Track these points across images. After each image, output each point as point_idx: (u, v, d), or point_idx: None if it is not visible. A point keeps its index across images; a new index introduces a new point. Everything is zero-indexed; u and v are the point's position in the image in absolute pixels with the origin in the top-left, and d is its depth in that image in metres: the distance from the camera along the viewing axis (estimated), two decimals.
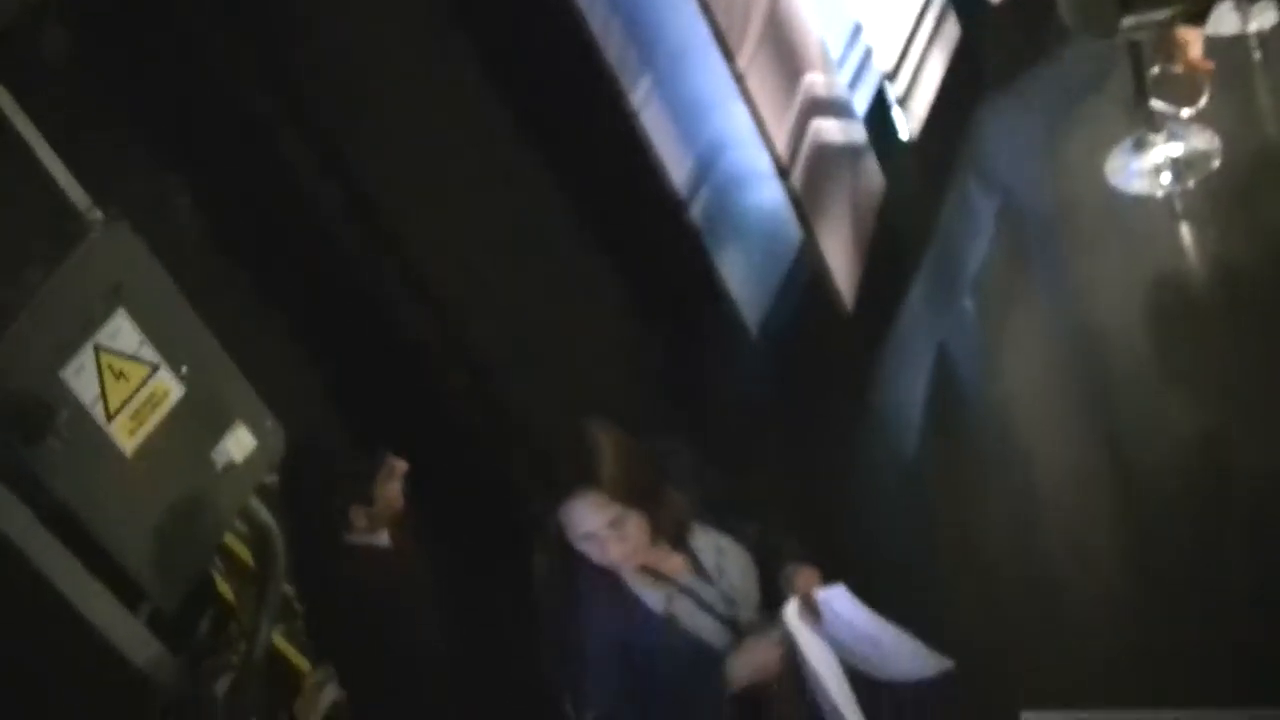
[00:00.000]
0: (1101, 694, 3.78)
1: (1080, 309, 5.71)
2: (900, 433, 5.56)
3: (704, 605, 3.02)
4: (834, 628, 3.02)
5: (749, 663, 2.95)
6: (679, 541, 3.05)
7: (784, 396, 5.68)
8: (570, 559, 2.94)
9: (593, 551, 2.92)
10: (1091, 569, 4.47)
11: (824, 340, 5.77)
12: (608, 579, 2.97)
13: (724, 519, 3.16)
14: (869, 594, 3.07)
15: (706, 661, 2.97)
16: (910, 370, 5.78)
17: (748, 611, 3.08)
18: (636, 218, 5.24)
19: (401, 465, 3.45)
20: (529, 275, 4.93)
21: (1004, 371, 5.69)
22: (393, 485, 3.48)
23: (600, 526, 2.87)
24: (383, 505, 3.40)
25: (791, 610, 2.96)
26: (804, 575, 3.07)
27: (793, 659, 2.97)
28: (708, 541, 3.08)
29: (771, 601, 3.10)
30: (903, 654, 3.05)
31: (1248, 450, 4.54)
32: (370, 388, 4.49)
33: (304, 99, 4.25)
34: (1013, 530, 4.82)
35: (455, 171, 4.74)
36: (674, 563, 3.03)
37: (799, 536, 3.29)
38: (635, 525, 2.90)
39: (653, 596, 2.99)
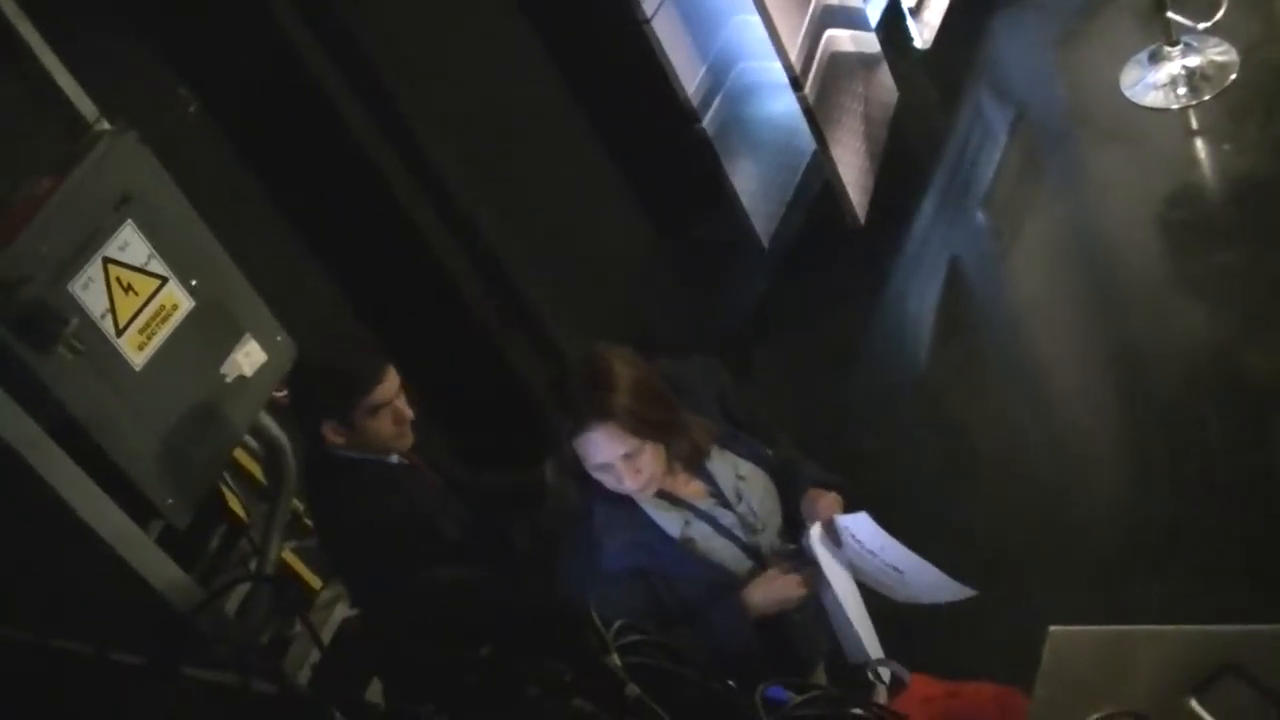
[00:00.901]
0: (1118, 602, 3.82)
1: (1092, 222, 5.67)
2: (912, 345, 5.54)
3: (722, 530, 2.98)
4: (855, 554, 2.99)
5: (770, 592, 2.92)
6: (696, 467, 3.02)
7: (794, 308, 5.65)
8: (586, 486, 2.92)
9: (608, 481, 2.88)
10: (1106, 478, 4.47)
11: (835, 252, 5.73)
12: (623, 505, 2.94)
13: (743, 443, 3.13)
14: (884, 505, 3.04)
15: (725, 587, 2.95)
16: (922, 282, 5.74)
17: (769, 536, 3.05)
18: (649, 128, 5.19)
19: (394, 377, 3.37)
20: (542, 186, 4.89)
21: (1016, 282, 5.65)
22: (387, 393, 3.34)
23: (615, 458, 2.83)
24: (370, 427, 3.30)
25: (814, 536, 2.94)
26: (825, 501, 3.03)
27: (814, 587, 2.95)
28: (725, 466, 3.05)
29: (792, 527, 3.08)
30: (924, 581, 3.03)
31: (1258, 360, 4.53)
32: (384, 302, 4.47)
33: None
34: (1026, 437, 4.80)
35: (469, 81, 4.70)
36: (691, 488, 3.00)
37: (805, 451, 3.26)
38: (650, 456, 2.86)
39: (669, 521, 2.95)
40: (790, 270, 5.77)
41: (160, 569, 3.19)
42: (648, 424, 2.82)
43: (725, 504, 3.00)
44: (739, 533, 3.00)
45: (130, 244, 3.19)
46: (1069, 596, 3.87)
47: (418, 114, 4.40)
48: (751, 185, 5.54)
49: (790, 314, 5.68)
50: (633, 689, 1.93)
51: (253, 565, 3.76)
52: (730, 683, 2.39)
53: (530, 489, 3.54)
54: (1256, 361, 4.52)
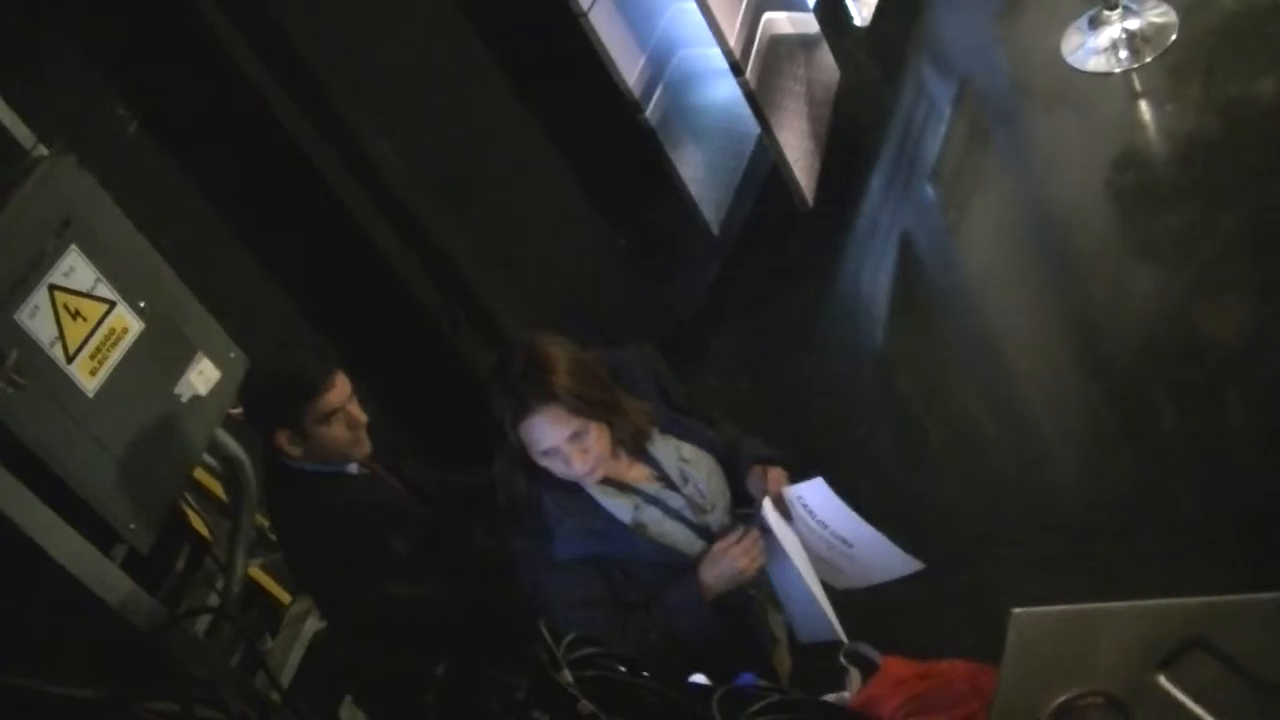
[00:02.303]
0: (1079, 568, 3.82)
1: (1041, 189, 5.67)
2: (867, 323, 5.54)
3: (672, 513, 2.99)
4: (804, 528, 2.99)
5: (721, 567, 2.92)
6: (640, 451, 3.02)
7: (747, 293, 5.64)
8: (534, 478, 2.91)
9: (556, 467, 2.88)
10: (1066, 447, 4.48)
11: (786, 235, 5.73)
12: (573, 494, 2.94)
13: (685, 426, 3.14)
14: (845, 483, 3.04)
15: (680, 569, 2.95)
16: (874, 260, 5.74)
17: (718, 516, 3.05)
18: (592, 121, 5.18)
19: (344, 381, 3.31)
20: (488, 183, 4.88)
21: (968, 255, 5.66)
22: (338, 398, 3.31)
23: (561, 441, 2.83)
24: (325, 435, 3.27)
25: (765, 508, 2.94)
26: (772, 475, 3.05)
27: (765, 558, 2.95)
28: (669, 449, 3.06)
29: (741, 506, 3.08)
30: (876, 551, 3.03)
31: (1214, 322, 4.55)
32: (334, 308, 4.44)
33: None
34: (985, 411, 4.82)
35: (409, 81, 4.68)
36: (637, 472, 3.01)
37: (766, 434, 3.26)
38: (596, 437, 2.87)
39: (619, 507, 2.96)
40: (742, 255, 5.77)
41: (124, 593, 3.15)
42: (590, 403, 2.83)
43: (672, 486, 3.01)
44: (688, 514, 3.01)
45: (75, 269, 3.15)
46: (1034, 569, 3.88)
47: (357, 114, 4.38)
48: (698, 173, 5.54)
49: (744, 298, 5.68)
50: (585, 705, 1.91)
51: (219, 584, 3.73)
52: (695, 679, 2.39)
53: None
54: (1212, 323, 4.54)
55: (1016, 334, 5.11)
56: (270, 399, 3.31)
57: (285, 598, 4.11)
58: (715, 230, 5.63)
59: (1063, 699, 1.79)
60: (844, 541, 3.01)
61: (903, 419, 5.00)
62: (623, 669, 2.08)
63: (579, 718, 1.89)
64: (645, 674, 2.10)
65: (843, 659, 2.57)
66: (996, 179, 5.84)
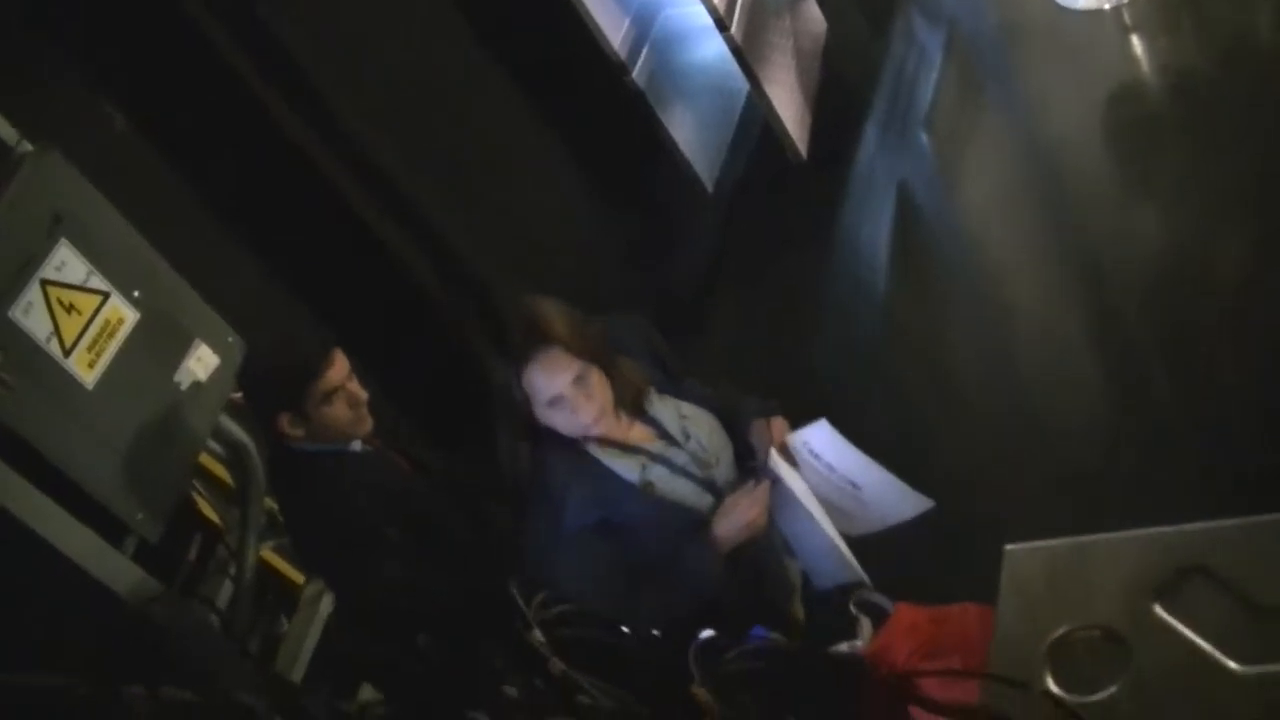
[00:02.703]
0: (1085, 511, 3.81)
1: (1036, 130, 5.64)
2: (869, 275, 5.52)
3: (678, 469, 2.98)
4: (812, 474, 2.99)
5: (733, 519, 2.92)
6: (639, 412, 3.02)
7: (746, 251, 5.62)
8: (538, 442, 2.91)
9: (560, 421, 2.88)
10: (1067, 388, 4.46)
11: (782, 190, 5.70)
12: (580, 460, 2.93)
13: (681, 388, 3.14)
14: (855, 435, 3.03)
15: (691, 525, 2.94)
16: (872, 211, 5.72)
17: (724, 471, 3.05)
18: (579, 86, 5.15)
19: (342, 360, 3.29)
20: (479, 158, 4.86)
21: (966, 202, 5.63)
22: (338, 377, 3.30)
23: (565, 385, 2.83)
24: (326, 415, 3.25)
25: (773, 458, 2.94)
26: (775, 425, 3.05)
27: (774, 504, 2.94)
28: (668, 408, 3.06)
29: (743, 462, 3.08)
30: (884, 492, 3.02)
31: (1212, 254, 4.52)
32: (328, 289, 4.43)
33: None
34: (987, 359, 4.79)
35: (393, 58, 4.66)
36: (638, 433, 3.01)
37: (769, 393, 3.25)
38: (599, 382, 2.87)
39: (626, 468, 2.95)
40: (739, 213, 5.74)
41: (136, 584, 3.16)
42: (589, 348, 2.84)
43: (674, 444, 3.01)
44: (694, 470, 3.00)
45: (67, 263, 3.14)
46: (1041, 510, 3.86)
47: (341, 92, 4.37)
48: (689, 133, 5.52)
49: (742, 256, 5.65)
50: (556, 664, 1.89)
51: (232, 571, 3.73)
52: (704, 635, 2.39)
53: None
54: (1214, 258, 4.51)
55: (1020, 278, 5.08)
56: (269, 382, 3.30)
57: (300, 579, 4.11)
58: (710, 188, 5.61)
59: (1059, 633, 1.77)
60: (852, 484, 3.01)
61: (910, 367, 4.98)
62: (599, 627, 2.07)
63: (550, 678, 1.87)
64: (623, 630, 2.09)
65: (854, 608, 2.56)
66: (991, 123, 5.81)
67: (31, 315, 3.04)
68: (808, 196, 5.74)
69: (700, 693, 1.83)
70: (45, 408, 3.03)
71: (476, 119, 4.92)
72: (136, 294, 3.28)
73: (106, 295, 3.22)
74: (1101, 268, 4.83)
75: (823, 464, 2.99)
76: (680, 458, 3.00)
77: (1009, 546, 1.94)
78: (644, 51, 5.37)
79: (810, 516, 2.92)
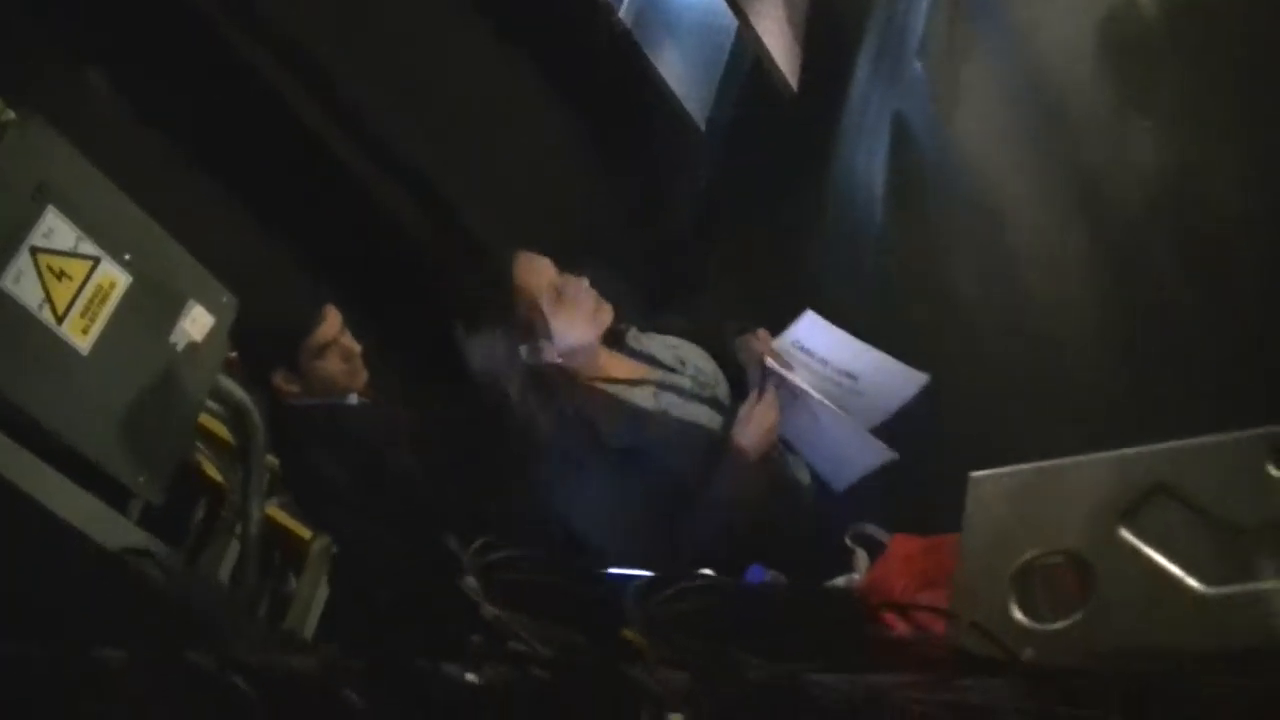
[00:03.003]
0: (1087, 430, 3.79)
1: (1032, 53, 5.59)
2: (867, 209, 5.49)
3: (685, 393, 3.02)
4: (809, 371, 3.00)
5: (756, 424, 2.94)
6: (623, 347, 3.05)
7: (742, 188, 5.59)
8: (543, 390, 2.91)
9: (562, 328, 2.90)
10: (1078, 314, 4.44)
11: (775, 125, 5.66)
12: (589, 396, 2.94)
13: (661, 325, 3.16)
14: None
15: (712, 446, 2.96)
16: (868, 143, 5.68)
17: (724, 390, 3.08)
18: (563, 27, 5.11)
19: (334, 313, 3.30)
20: (465, 106, 4.82)
21: (963, 130, 5.59)
22: (330, 331, 3.28)
23: (553, 274, 2.87)
24: (320, 369, 3.25)
25: (770, 364, 2.95)
26: (760, 334, 3.08)
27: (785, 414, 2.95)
28: (654, 341, 3.09)
29: (736, 386, 3.09)
30: (882, 377, 3.05)
31: (1216, 177, 4.48)
32: (318, 240, 4.41)
33: None
34: (997, 288, 4.77)
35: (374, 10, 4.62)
36: (635, 368, 3.03)
37: (771, 327, 3.25)
38: (578, 285, 2.91)
39: (639, 398, 2.98)
40: (732, 151, 5.71)
41: (140, 546, 3.16)
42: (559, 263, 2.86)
43: (673, 371, 3.02)
44: (700, 392, 3.02)
45: (55, 229, 3.11)
46: (1040, 436, 3.84)
47: (326, 44, 4.34)
48: (678, 70, 5.49)
49: (739, 194, 5.62)
50: (488, 610, 1.87)
51: (238, 530, 3.73)
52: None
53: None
54: (1215, 179, 4.47)
55: (1021, 205, 5.06)
56: (262, 341, 3.29)
57: (307, 534, 4.10)
58: (702, 127, 5.58)
59: (1023, 561, 1.74)
60: (849, 375, 3.04)
61: (914, 302, 4.96)
62: (545, 570, 2.03)
63: (484, 624, 1.85)
64: (569, 571, 2.05)
65: (849, 541, 2.55)
66: (985, 48, 5.75)
67: (22, 284, 3.02)
68: (802, 128, 5.70)
69: (632, 634, 1.78)
70: (40, 375, 3.02)
71: (461, 65, 4.88)
72: (127, 257, 3.25)
73: (97, 260, 3.20)
74: (1100, 189, 4.80)
75: (816, 360, 3.02)
76: (684, 383, 3.03)
77: (974, 474, 1.90)
78: None
79: (823, 407, 2.94)
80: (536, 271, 2.99)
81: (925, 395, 3.43)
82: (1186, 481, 1.66)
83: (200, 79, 4.20)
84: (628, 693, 1.66)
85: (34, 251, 3.06)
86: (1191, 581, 1.59)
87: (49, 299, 3.07)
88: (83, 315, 3.15)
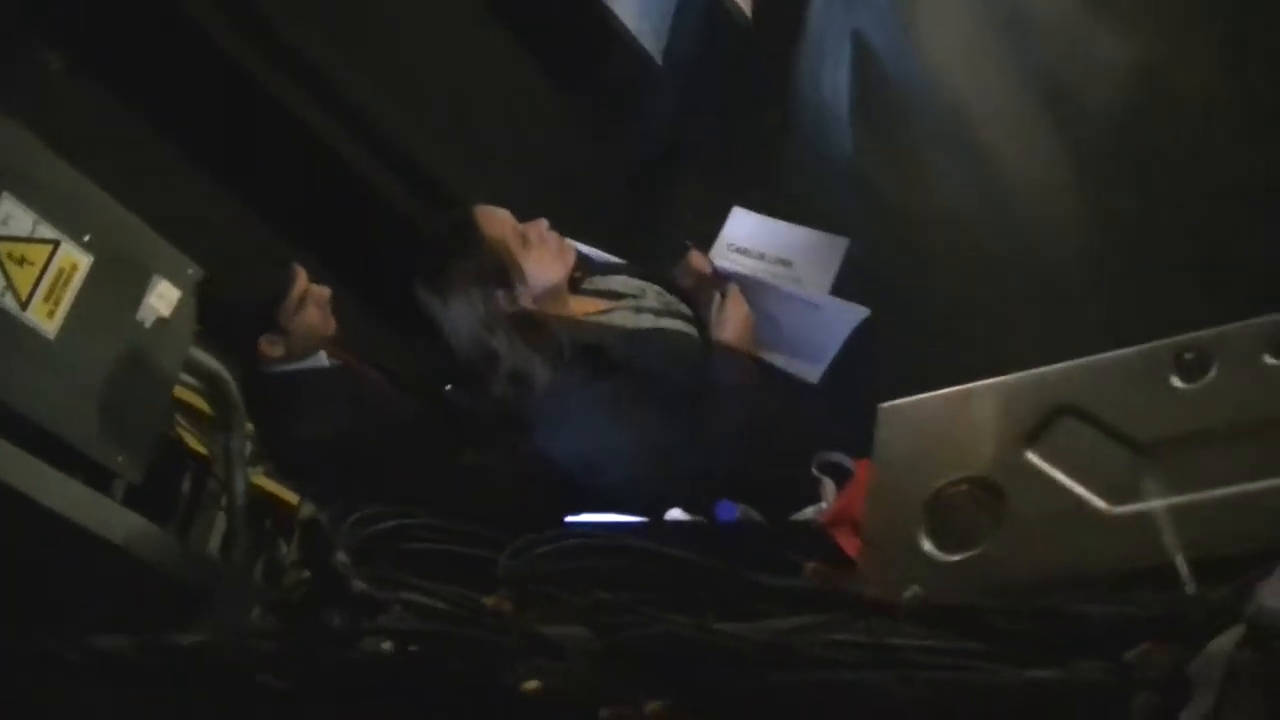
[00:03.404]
0: (1071, 338, 3.77)
1: None
2: (835, 133, 5.44)
3: (659, 311, 3.05)
4: (748, 271, 3.04)
5: (731, 316, 2.97)
6: (580, 289, 3.09)
7: (705, 120, 5.55)
8: (531, 332, 2.93)
9: (532, 268, 2.94)
10: (1053, 223, 4.43)
11: (735, 53, 5.61)
12: (579, 327, 2.97)
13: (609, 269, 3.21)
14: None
15: (698, 351, 2.99)
16: (831, 66, 5.62)
17: (685, 310, 3.11)
18: None
19: (300, 270, 3.26)
20: (423, 53, 4.78)
21: (926, 44, 5.53)
22: (301, 286, 3.26)
23: (511, 220, 2.91)
24: (300, 323, 3.22)
25: (717, 266, 3.01)
26: (692, 256, 3.12)
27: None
28: (607, 279, 3.14)
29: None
30: (811, 254, 3.09)
31: (1184, 75, 4.45)
32: (284, 203, 4.38)
33: None
34: (969, 204, 4.74)
35: None
36: (601, 302, 3.07)
37: None
38: (545, 227, 2.95)
39: (621, 319, 3.01)
40: (692, 83, 5.66)
41: (129, 528, 3.16)
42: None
43: (636, 297, 3.05)
44: (670, 308, 3.06)
45: (12, 216, 3.10)
46: (1014, 353, 3.86)
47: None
48: (632, 4, 5.42)
49: (703, 127, 5.58)
50: (357, 584, 1.83)
51: (224, 502, 3.74)
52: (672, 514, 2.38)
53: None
54: (1182, 76, 4.44)
55: (988, 117, 5.00)
56: (242, 317, 3.27)
57: (295, 500, 4.10)
58: (659, 60, 5.53)
59: (933, 489, 1.68)
60: (783, 262, 3.06)
61: (885, 223, 4.93)
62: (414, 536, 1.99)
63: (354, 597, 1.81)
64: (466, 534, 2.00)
65: (815, 470, 2.54)
66: None
67: None
68: (762, 53, 5.65)
69: (494, 600, 1.70)
70: (9, 362, 3.01)
71: (412, 9, 4.82)
72: (87, 238, 3.24)
73: (57, 243, 3.18)
74: (1068, 95, 4.77)
75: (751, 257, 3.03)
76: (653, 303, 3.06)
77: (881, 405, 1.86)
78: None
79: (779, 291, 2.97)
80: (499, 221, 3.01)
81: (898, 312, 3.43)
82: (1092, 400, 1.62)
83: (154, 49, 4.15)
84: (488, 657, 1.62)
85: None
86: (1098, 501, 1.56)
87: (11, 285, 3.06)
88: (46, 299, 3.13)
